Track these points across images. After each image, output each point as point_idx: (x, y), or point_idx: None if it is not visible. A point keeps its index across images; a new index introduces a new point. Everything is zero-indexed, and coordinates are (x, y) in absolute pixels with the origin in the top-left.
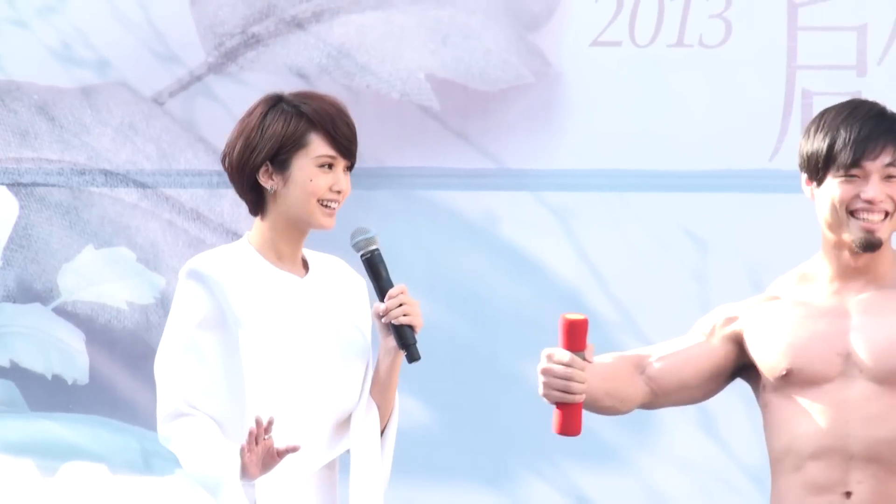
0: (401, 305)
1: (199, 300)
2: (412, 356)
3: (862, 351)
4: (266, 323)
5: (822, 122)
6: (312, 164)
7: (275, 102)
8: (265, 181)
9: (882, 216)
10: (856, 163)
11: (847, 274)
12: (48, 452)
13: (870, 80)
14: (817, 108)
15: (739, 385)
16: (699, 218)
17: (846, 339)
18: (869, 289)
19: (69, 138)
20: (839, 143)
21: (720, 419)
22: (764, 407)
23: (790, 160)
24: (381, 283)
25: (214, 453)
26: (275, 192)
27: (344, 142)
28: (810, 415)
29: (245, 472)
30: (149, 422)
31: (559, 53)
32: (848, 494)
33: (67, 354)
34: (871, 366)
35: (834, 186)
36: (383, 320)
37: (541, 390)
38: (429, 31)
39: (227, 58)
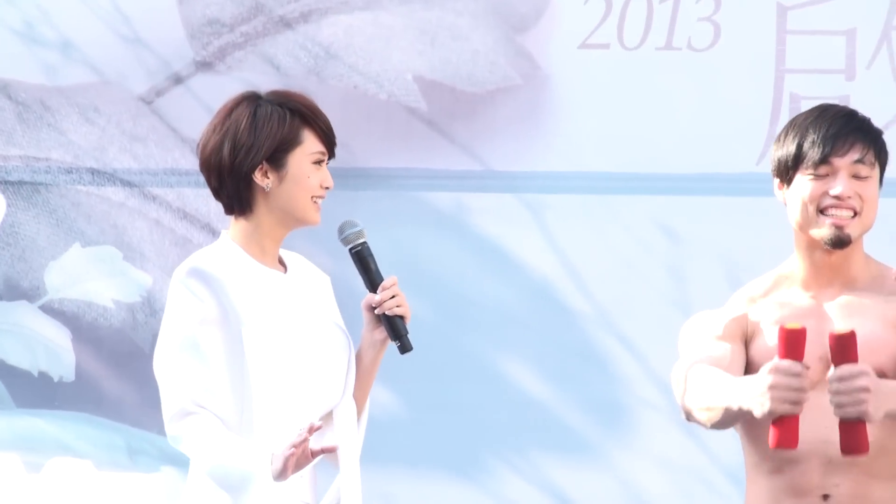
0: (393, 297)
1: (201, 299)
2: (405, 347)
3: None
4: (265, 320)
5: (792, 126)
6: (308, 161)
7: (257, 101)
8: (260, 179)
9: (851, 213)
10: (824, 159)
11: (821, 276)
12: (34, 448)
13: (858, 84)
14: None
15: None
16: (686, 221)
17: (824, 341)
18: (844, 292)
19: (57, 137)
20: (808, 142)
21: None
22: None
23: None
24: (370, 275)
25: (238, 451)
26: (269, 190)
27: (331, 136)
28: None
29: (281, 473)
30: (134, 419)
31: (547, 55)
32: (825, 497)
33: (54, 352)
34: None
35: (804, 184)
36: (377, 311)
37: (768, 406)
38: (417, 33)
39: (214, 57)
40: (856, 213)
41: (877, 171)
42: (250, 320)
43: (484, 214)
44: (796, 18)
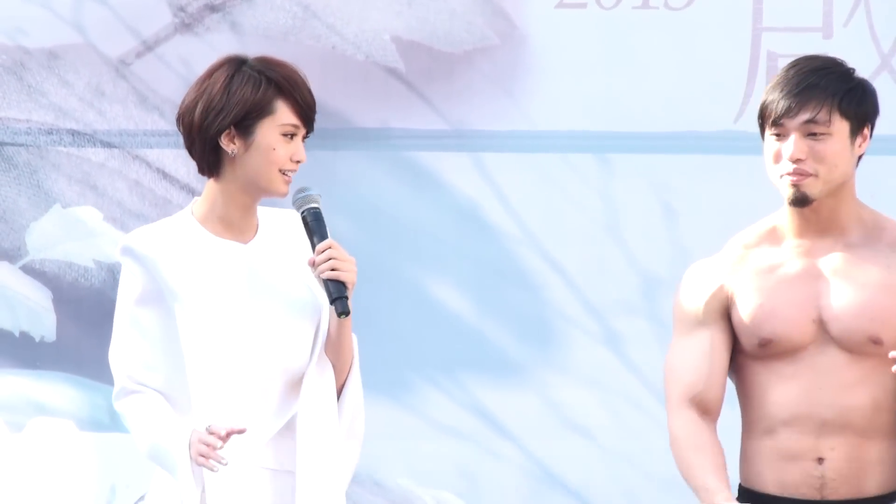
0: (329, 260)
1: (135, 277)
2: (340, 310)
3: (833, 319)
4: (201, 294)
5: (773, 79)
6: (277, 132)
7: (239, 66)
8: (226, 144)
9: (806, 174)
10: (776, 121)
11: (810, 226)
12: (15, 408)
13: (836, 42)
14: None
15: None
16: (663, 179)
17: (819, 304)
18: (837, 247)
19: (37, 98)
20: (770, 100)
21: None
22: (738, 370)
23: (755, 122)
24: (311, 240)
25: (165, 432)
26: (235, 156)
27: (308, 111)
28: (784, 382)
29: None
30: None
31: (524, 15)
32: (820, 460)
33: (35, 312)
34: (842, 335)
35: (768, 143)
36: (314, 274)
37: None
38: None
39: (192, 19)
40: (815, 174)
41: (840, 126)
42: (184, 295)
43: (459, 174)
44: None
